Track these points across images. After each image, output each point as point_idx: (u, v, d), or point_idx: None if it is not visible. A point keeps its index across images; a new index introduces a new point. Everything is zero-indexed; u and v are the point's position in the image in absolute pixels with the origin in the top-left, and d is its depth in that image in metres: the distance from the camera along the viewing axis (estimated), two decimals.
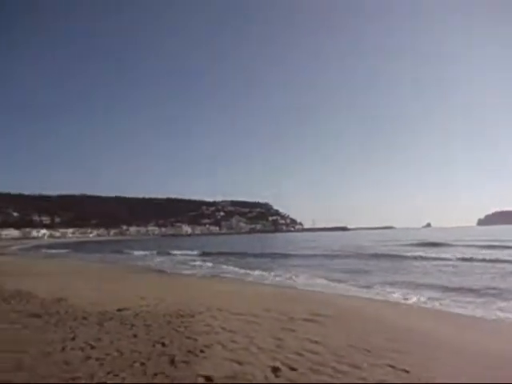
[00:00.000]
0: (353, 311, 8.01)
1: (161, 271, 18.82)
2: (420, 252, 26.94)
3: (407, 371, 4.15)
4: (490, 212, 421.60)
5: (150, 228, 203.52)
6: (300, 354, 4.76)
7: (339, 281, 13.83)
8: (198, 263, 22.25)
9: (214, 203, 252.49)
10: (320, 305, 8.39)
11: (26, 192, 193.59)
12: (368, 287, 12.32)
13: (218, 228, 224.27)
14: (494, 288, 11.42)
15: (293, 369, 4.25)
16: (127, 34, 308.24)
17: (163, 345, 5.20)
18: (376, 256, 25.52)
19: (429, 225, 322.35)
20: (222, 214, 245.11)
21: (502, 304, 9.27)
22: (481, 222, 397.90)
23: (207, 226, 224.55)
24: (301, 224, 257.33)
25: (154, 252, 37.05)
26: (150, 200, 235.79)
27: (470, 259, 20.74)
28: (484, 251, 26.51)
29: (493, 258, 20.56)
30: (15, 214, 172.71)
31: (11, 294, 9.83)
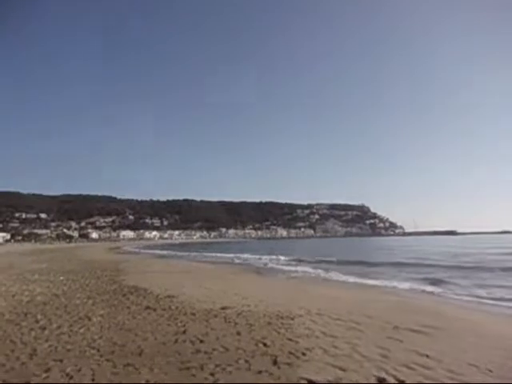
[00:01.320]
0: (467, 324, 7.20)
1: (261, 273, 19.36)
2: None
3: None
4: None
5: (247, 231, 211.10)
6: (408, 367, 4.45)
7: (453, 291, 12.44)
8: (298, 268, 22.30)
9: (308, 206, 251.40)
10: (428, 315, 7.72)
11: (139, 198, 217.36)
12: (488, 299, 10.90)
13: (312, 231, 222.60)
14: None
15: (400, 381, 4.00)
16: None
17: (265, 345, 5.34)
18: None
19: None
20: (316, 216, 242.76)
21: None
22: None
23: (302, 229, 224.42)
24: (401, 227, 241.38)
25: (257, 254, 38.35)
26: (248, 203, 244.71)
27: None
28: None
29: None
30: (131, 217, 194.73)
31: (130, 289, 11.08)
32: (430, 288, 12.94)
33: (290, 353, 4.96)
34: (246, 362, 4.63)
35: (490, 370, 4.37)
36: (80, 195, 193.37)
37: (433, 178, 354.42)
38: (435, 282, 14.45)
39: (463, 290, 12.49)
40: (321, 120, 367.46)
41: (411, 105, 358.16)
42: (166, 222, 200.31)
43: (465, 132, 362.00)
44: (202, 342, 5.51)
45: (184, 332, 6.07)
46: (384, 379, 4.05)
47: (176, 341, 5.55)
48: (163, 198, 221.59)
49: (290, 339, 5.63)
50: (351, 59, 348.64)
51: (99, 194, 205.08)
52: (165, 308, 8.14)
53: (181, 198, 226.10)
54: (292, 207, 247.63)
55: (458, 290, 12.35)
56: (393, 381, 4.02)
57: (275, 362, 4.59)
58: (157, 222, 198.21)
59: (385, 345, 5.37)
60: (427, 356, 4.88)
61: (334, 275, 17.64)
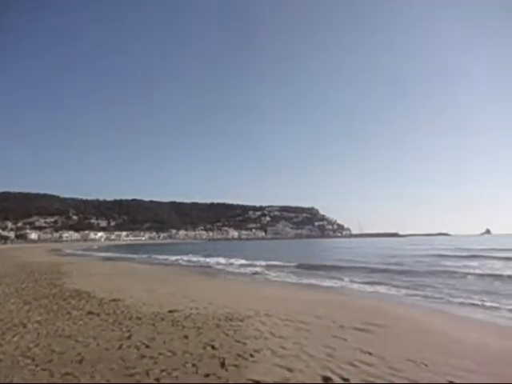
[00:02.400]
0: (408, 322, 7.61)
1: (210, 274, 19.17)
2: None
3: None
4: None
5: (197, 232, 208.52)
6: (353, 365, 4.60)
7: (396, 290, 13.16)
8: (249, 269, 22.34)
9: (260, 208, 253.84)
10: (372, 313, 8.07)
11: (84, 196, 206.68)
12: (427, 298, 11.63)
13: (264, 233, 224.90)
14: None
15: (345, 379, 4.12)
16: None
17: (213, 347, 5.26)
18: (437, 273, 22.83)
19: (488, 231, 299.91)
20: (268, 218, 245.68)
21: None
22: None
23: (253, 230, 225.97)
24: (348, 229, 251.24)
25: (203, 256, 37.91)
26: (199, 204, 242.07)
27: None
28: None
29: None
30: (75, 217, 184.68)
31: (71, 293, 10.48)
32: (374, 288, 13.57)
33: (238, 355, 4.94)
34: (194, 365, 4.53)
35: (426, 365, 4.63)
36: (18, 193, 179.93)
37: (377, 181, 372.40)
38: (379, 282, 15.19)
39: (404, 289, 13.23)
40: (265, 123, 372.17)
41: (356, 109, 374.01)
42: (113, 223, 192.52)
43: (400, 136, 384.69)
44: (147, 346, 5.31)
45: (129, 337, 5.82)
46: (329, 378, 4.15)
47: (120, 347, 5.31)
48: (110, 198, 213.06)
49: (239, 341, 5.61)
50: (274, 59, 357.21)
51: (40, 192, 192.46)
52: (109, 312, 7.77)
53: (129, 197, 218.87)
54: (244, 209, 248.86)
55: (402, 290, 13.07)
56: (337, 379, 4.12)
57: (223, 365, 4.54)
58: (103, 222, 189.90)
59: (331, 344, 5.52)
60: (370, 353, 5.08)
61: (285, 276, 17.92)
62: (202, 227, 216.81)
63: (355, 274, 18.67)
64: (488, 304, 10.14)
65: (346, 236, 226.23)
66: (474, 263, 24.63)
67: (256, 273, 20.07)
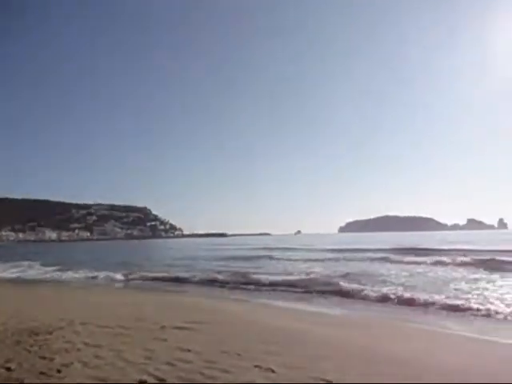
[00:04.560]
0: (227, 316, 8.16)
1: (17, 283, 16.31)
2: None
3: (274, 371, 4.38)
4: (349, 220, 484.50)
5: (4, 233, 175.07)
6: (171, 364, 4.61)
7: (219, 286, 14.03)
8: (66, 275, 19.89)
9: (85, 206, 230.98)
10: (193, 311, 8.33)
11: None
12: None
13: (89, 233, 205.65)
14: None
15: (161, 380, 4.10)
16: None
17: (8, 369, 4.46)
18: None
19: (299, 232, 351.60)
20: (94, 218, 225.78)
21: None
22: (341, 229, 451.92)
23: (77, 231, 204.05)
24: (181, 230, 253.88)
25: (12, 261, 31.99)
26: (7, 200, 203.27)
27: None
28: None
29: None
30: None
31: None
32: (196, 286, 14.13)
33: (42, 373, 4.32)
34: None
35: (238, 354, 5.04)
36: None
37: (209, 184, 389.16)
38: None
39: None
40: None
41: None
42: None
43: (244, 143, 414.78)
44: None
45: None
46: (145, 381, 4.06)
47: None
48: None
49: (44, 357, 4.92)
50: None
51: None
52: None
53: None
54: (65, 207, 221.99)
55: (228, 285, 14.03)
56: (153, 381, 4.07)
57: None
58: None
59: (151, 346, 5.42)
60: (189, 350, 5.21)
61: (107, 280, 16.75)
62: (9, 227, 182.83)
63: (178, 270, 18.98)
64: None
65: (177, 236, 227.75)
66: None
67: (74, 278, 18.13)
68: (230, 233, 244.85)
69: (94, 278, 17.58)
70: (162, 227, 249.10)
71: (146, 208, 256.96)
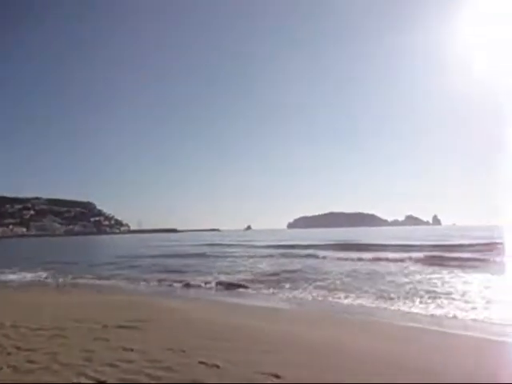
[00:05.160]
0: (175, 314, 7.99)
1: None
2: None
3: (219, 366, 4.35)
4: (297, 216, 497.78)
5: None
6: (112, 365, 4.41)
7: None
8: None
9: (21, 200, 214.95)
10: (139, 309, 8.07)
11: None
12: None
13: (25, 229, 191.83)
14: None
15: (101, 382, 3.91)
16: None
17: None
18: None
19: (249, 227, 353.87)
20: (32, 212, 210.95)
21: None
22: (290, 225, 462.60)
23: (11, 226, 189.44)
24: (127, 226, 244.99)
25: None
26: None
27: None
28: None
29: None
30: None
31: None
32: (137, 284, 13.75)
33: None
34: None
35: (183, 351, 4.95)
36: None
37: (157, 185, 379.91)
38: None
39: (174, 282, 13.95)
40: None
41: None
42: None
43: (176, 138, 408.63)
44: None
45: None
46: None
47: None
48: None
49: None
50: None
51: None
52: None
53: None
54: None
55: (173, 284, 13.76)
56: (92, 382, 3.88)
57: None
58: None
59: (90, 347, 5.15)
60: (132, 350, 5.02)
61: (39, 280, 15.71)
62: None
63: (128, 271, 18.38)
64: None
65: (124, 232, 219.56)
66: None
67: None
68: (180, 228, 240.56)
69: (23, 277, 16.45)
70: (107, 223, 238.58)
71: (89, 203, 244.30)
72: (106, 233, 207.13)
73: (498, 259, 19.06)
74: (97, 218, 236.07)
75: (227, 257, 27.47)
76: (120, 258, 27.28)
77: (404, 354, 5.37)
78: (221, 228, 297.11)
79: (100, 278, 15.77)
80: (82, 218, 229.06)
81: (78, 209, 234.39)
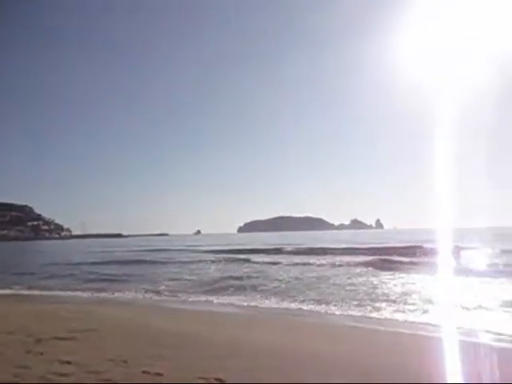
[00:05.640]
0: (116, 322, 7.73)
1: None
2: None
3: (162, 374, 4.30)
4: (247, 220, 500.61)
5: None
6: (45, 379, 4.19)
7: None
8: None
9: None
10: (80, 319, 7.70)
11: None
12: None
13: None
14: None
15: None
16: None
17: None
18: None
19: (199, 232, 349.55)
20: None
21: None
22: (240, 230, 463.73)
23: None
24: (69, 230, 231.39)
25: None
26: None
27: None
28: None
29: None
30: None
31: None
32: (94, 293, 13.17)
33: None
34: None
35: (125, 361, 4.82)
36: None
37: (101, 189, 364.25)
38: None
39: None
40: None
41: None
42: None
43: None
44: None
45: None
46: None
47: None
48: None
49: None
50: None
51: None
52: None
53: None
54: None
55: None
56: None
57: None
58: None
59: (23, 362, 4.83)
60: (69, 362, 4.80)
61: None
62: None
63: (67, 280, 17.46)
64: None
65: (65, 237, 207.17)
66: None
67: None
68: (126, 233, 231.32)
69: None
70: (47, 227, 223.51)
71: (26, 206, 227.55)
72: (44, 238, 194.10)
73: (427, 261, 20.73)
74: (35, 223, 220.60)
75: (173, 263, 26.91)
76: (53, 266, 25.55)
77: (341, 354, 5.65)
78: (170, 232, 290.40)
79: (30, 288, 14.84)
80: (18, 222, 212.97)
81: (13, 213, 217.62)
